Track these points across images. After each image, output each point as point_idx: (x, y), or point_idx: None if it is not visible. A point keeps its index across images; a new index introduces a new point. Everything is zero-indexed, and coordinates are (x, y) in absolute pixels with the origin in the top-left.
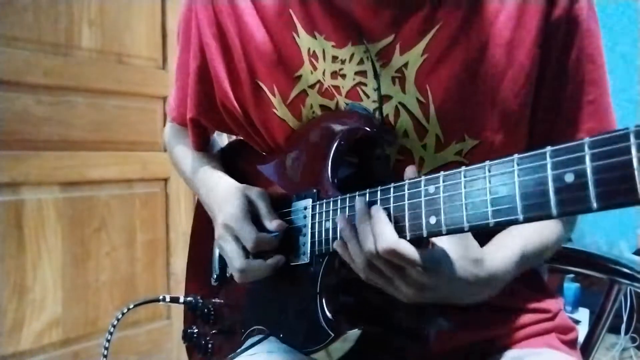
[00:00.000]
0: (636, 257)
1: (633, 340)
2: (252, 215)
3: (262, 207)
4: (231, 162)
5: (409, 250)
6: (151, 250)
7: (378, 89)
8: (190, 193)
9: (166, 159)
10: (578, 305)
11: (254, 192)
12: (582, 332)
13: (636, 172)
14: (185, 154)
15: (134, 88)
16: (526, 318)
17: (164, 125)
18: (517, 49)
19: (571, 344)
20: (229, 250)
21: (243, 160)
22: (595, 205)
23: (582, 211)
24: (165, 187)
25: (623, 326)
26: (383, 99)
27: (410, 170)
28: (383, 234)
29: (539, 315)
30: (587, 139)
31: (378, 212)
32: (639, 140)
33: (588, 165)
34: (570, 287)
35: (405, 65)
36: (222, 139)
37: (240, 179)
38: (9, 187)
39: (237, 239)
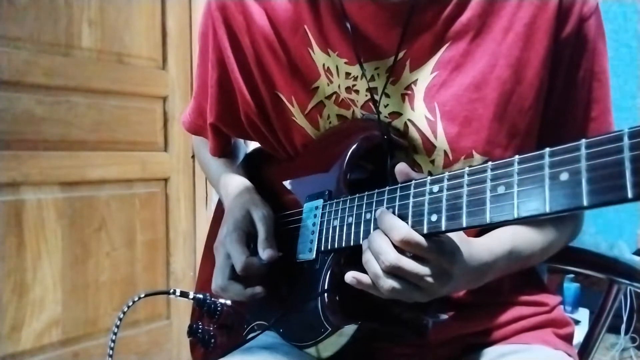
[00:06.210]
0: (636, 257)
1: (633, 340)
2: (251, 236)
3: (261, 233)
4: (255, 167)
5: (422, 239)
6: (151, 250)
7: (374, 102)
8: (190, 193)
9: (166, 159)
10: (578, 305)
11: (258, 214)
12: (582, 332)
13: (627, 170)
14: (209, 159)
15: (134, 88)
16: (523, 310)
17: (164, 125)
18: (525, 67)
19: (566, 338)
20: (218, 265)
21: (265, 166)
22: (585, 202)
23: (574, 208)
24: (165, 187)
25: (623, 326)
26: (392, 115)
27: (402, 166)
28: (395, 227)
29: (536, 309)
30: (583, 140)
31: (385, 213)
32: (631, 140)
33: (583, 164)
34: (570, 287)
35: (415, 82)
36: (247, 145)
37: (261, 184)
38: (9, 187)
39: (228, 257)
